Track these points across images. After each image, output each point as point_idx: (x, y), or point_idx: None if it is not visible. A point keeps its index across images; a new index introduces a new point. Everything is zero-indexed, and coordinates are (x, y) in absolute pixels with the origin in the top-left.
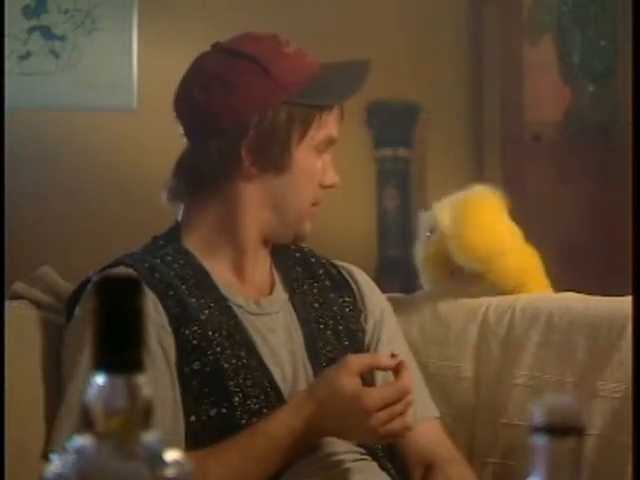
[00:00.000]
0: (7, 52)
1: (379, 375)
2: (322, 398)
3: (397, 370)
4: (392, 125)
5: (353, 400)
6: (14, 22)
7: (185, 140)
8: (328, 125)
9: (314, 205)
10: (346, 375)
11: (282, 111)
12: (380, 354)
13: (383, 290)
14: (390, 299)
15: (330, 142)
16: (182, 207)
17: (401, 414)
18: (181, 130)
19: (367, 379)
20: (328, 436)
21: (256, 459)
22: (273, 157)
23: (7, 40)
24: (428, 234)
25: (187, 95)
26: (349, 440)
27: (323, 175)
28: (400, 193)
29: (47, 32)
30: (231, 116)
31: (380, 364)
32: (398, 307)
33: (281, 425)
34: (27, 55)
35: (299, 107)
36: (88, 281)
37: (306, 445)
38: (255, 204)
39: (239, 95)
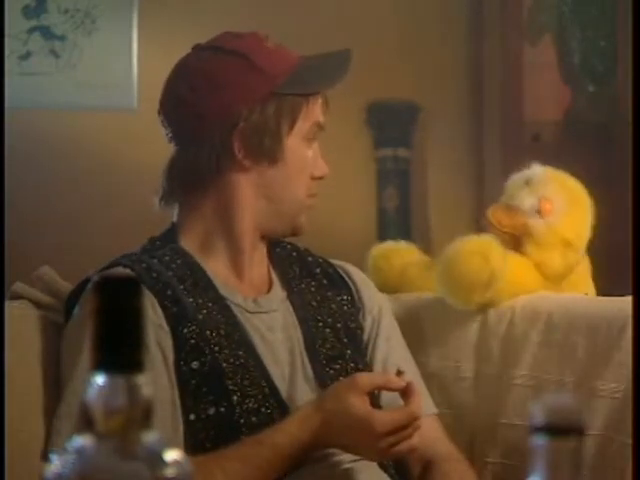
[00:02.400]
0: (7, 52)
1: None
2: (330, 414)
3: (406, 392)
4: (392, 125)
5: (363, 422)
6: (14, 22)
7: (173, 144)
8: (315, 113)
9: (308, 197)
10: (356, 395)
11: (270, 102)
12: (390, 375)
13: None
14: (389, 298)
15: (318, 128)
16: (177, 208)
17: (408, 436)
18: (169, 134)
19: (372, 395)
20: (333, 448)
21: (260, 469)
22: (265, 148)
23: (7, 40)
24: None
25: (174, 96)
26: (353, 454)
27: (313, 166)
28: (400, 193)
29: (47, 32)
30: (220, 111)
31: (390, 385)
32: (397, 306)
33: (287, 437)
34: (27, 55)
35: (286, 97)
36: (87, 281)
37: (310, 455)
38: (250, 197)
39: (226, 90)
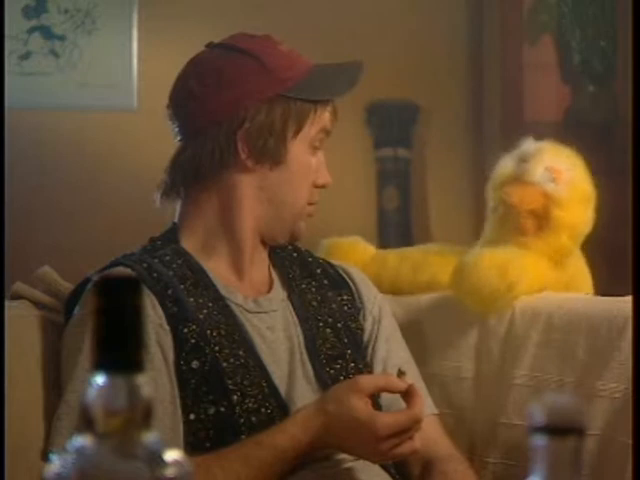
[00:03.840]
0: (7, 52)
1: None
2: (332, 415)
3: (408, 394)
4: (392, 125)
5: (366, 424)
6: (14, 22)
7: (179, 139)
8: (322, 121)
9: (309, 204)
10: (357, 397)
11: (277, 104)
12: (392, 376)
13: None
14: (390, 299)
15: (324, 134)
16: (179, 207)
17: (410, 438)
18: (175, 128)
19: (373, 395)
20: (333, 450)
21: (260, 469)
22: (269, 149)
23: (7, 40)
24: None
25: (184, 90)
26: (354, 456)
27: (316, 174)
28: (400, 194)
29: (47, 32)
30: (227, 108)
31: (391, 387)
32: (398, 307)
33: (288, 438)
34: (27, 55)
35: (294, 101)
36: (87, 281)
37: (310, 458)
38: (251, 198)
39: (235, 88)
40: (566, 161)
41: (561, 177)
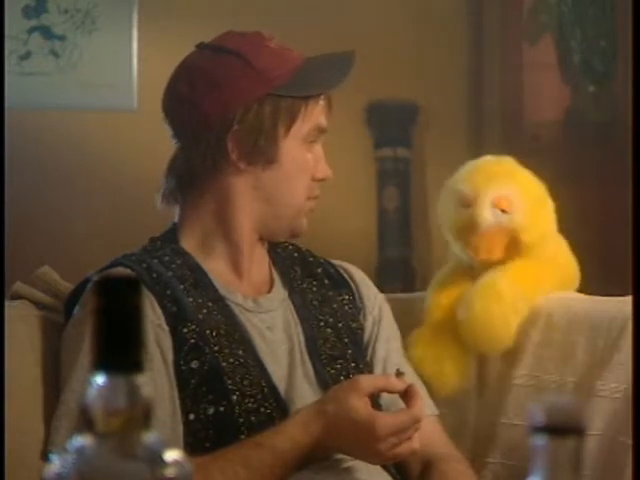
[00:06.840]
0: (7, 52)
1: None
2: (331, 416)
3: (407, 394)
4: (392, 125)
5: (366, 424)
6: (14, 22)
7: (175, 142)
8: (315, 115)
9: (309, 199)
10: (356, 397)
11: (267, 103)
12: (391, 376)
13: (383, 290)
14: (390, 299)
15: (319, 131)
16: (178, 209)
17: (409, 438)
18: (171, 131)
19: (372, 395)
20: (333, 452)
21: (259, 471)
22: (260, 149)
23: (7, 40)
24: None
25: (174, 93)
26: (353, 457)
27: (315, 168)
28: (400, 193)
29: (47, 32)
30: (216, 110)
31: (391, 387)
32: (398, 307)
33: (287, 440)
34: (27, 55)
35: (284, 99)
36: (87, 281)
37: (310, 459)
38: (246, 198)
39: (224, 89)
40: (504, 181)
41: (511, 204)
